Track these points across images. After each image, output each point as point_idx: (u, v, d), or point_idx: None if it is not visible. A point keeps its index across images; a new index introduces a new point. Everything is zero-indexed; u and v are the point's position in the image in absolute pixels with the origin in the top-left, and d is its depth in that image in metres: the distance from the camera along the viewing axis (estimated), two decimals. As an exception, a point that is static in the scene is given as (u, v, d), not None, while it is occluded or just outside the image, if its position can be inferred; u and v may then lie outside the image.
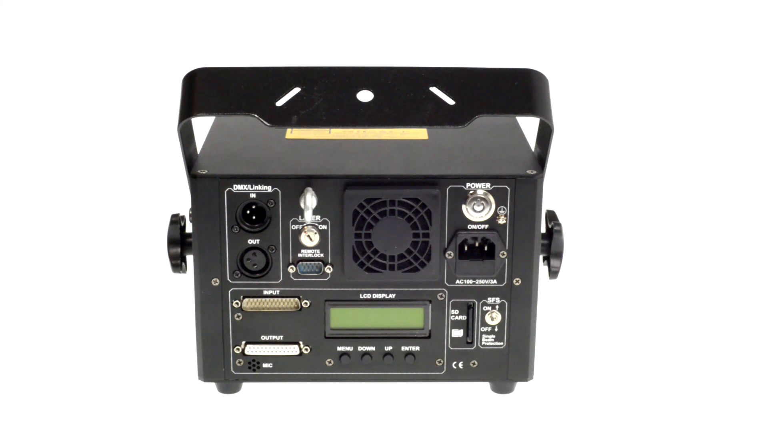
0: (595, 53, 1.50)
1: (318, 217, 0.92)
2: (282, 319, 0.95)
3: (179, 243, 0.95)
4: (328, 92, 0.88)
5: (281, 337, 0.96)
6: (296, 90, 0.88)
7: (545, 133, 0.92)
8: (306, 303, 0.95)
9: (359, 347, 0.96)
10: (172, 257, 0.95)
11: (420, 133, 1.03)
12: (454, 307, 0.95)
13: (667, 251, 1.30)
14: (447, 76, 0.89)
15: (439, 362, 0.97)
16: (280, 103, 0.88)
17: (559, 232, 0.95)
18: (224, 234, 0.92)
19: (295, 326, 0.95)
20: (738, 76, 1.50)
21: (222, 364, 0.96)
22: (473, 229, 0.93)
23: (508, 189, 0.92)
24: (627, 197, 1.41)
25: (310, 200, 0.90)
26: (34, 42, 1.51)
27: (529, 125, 1.02)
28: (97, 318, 1.13)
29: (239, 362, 0.96)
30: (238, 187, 0.91)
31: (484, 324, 0.95)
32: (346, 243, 0.92)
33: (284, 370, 0.96)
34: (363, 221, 0.92)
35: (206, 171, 0.92)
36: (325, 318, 0.95)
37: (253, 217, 0.93)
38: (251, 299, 0.94)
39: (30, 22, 1.51)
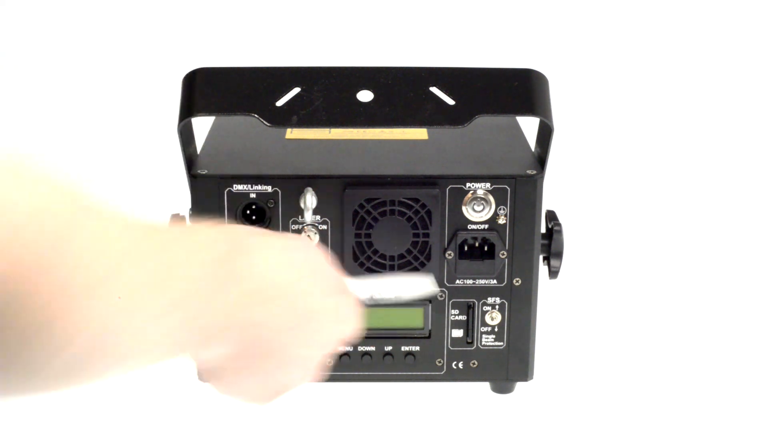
0: (595, 53, 1.50)
1: (318, 217, 0.92)
2: (282, 319, 0.95)
3: (179, 243, 0.95)
4: (328, 92, 0.88)
5: (281, 337, 0.95)
6: (296, 90, 0.88)
7: (545, 133, 0.92)
8: (306, 303, 0.94)
9: (359, 347, 0.96)
10: (172, 257, 0.95)
11: (420, 133, 1.03)
12: (454, 307, 0.95)
13: (667, 251, 1.30)
14: (447, 76, 0.89)
15: (439, 362, 0.96)
16: (280, 103, 0.88)
17: (559, 232, 0.95)
18: (224, 234, 0.92)
19: (295, 326, 0.95)
20: (738, 76, 1.50)
21: (222, 364, 0.96)
22: (473, 229, 0.93)
23: (508, 189, 0.92)
24: (627, 197, 1.41)
25: (310, 200, 0.90)
26: (34, 42, 1.51)
27: (529, 125, 1.02)
28: (97, 318, 1.13)
29: (239, 362, 0.96)
30: (238, 187, 0.91)
31: (484, 324, 0.95)
32: (346, 243, 0.92)
33: (284, 370, 0.96)
34: (363, 221, 0.92)
35: (206, 171, 0.92)
36: (325, 318, 0.95)
37: (253, 217, 0.93)
38: (251, 299, 0.94)
39: (30, 22, 1.51)
